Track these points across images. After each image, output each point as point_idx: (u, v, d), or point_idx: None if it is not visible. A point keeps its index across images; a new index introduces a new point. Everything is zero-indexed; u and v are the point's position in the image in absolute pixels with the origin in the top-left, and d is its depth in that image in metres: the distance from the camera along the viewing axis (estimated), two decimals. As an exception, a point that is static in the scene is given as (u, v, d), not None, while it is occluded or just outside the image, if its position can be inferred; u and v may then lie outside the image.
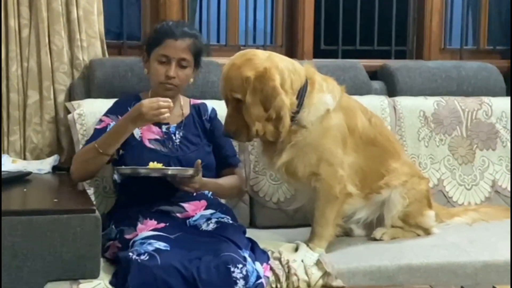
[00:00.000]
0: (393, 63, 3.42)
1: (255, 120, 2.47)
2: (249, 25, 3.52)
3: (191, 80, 2.67)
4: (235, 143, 2.85)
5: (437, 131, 3.19)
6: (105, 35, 3.10)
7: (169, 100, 2.45)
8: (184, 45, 2.59)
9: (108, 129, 2.56)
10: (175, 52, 2.58)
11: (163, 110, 2.41)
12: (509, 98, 3.37)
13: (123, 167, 2.50)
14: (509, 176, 3.25)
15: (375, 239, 2.74)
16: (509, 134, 3.26)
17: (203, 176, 2.56)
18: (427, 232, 2.82)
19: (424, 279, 2.50)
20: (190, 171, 2.48)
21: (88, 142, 2.61)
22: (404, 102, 3.20)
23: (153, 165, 2.50)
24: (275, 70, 2.46)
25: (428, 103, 3.21)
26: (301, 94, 2.53)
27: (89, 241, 2.21)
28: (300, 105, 2.53)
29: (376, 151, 2.71)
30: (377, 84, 3.33)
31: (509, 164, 3.25)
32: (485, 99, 3.29)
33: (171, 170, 2.48)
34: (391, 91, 3.31)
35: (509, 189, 3.24)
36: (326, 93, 2.59)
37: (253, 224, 2.99)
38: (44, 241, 2.16)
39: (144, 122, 2.46)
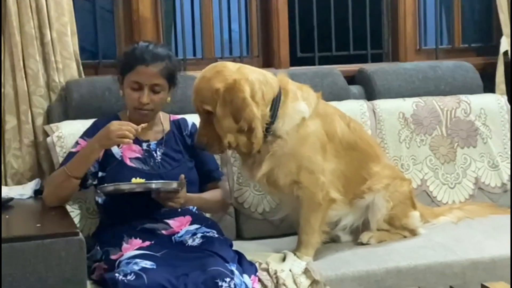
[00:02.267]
0: (370, 67, 3.43)
1: (226, 132, 2.48)
2: (224, 37, 3.52)
3: (168, 99, 2.66)
4: (217, 156, 2.85)
5: (418, 132, 3.20)
6: (80, 55, 3.09)
7: (140, 127, 2.45)
8: (156, 70, 2.57)
9: (81, 152, 2.57)
10: (147, 78, 2.56)
11: (129, 134, 2.41)
12: (486, 95, 3.39)
13: (105, 184, 2.49)
14: (492, 172, 3.26)
15: (362, 244, 2.74)
16: (489, 130, 3.28)
17: (187, 191, 2.55)
18: (413, 233, 2.83)
19: (412, 281, 2.51)
20: (174, 184, 2.48)
21: (61, 165, 2.60)
22: (383, 105, 3.21)
23: (135, 180, 2.49)
24: (245, 82, 2.47)
25: (407, 105, 3.23)
26: (275, 105, 2.54)
27: (74, 264, 2.18)
28: (274, 115, 2.54)
29: (357, 156, 2.72)
30: (355, 89, 3.34)
31: (491, 160, 3.27)
32: (463, 97, 3.31)
33: (155, 184, 2.47)
34: (370, 94, 3.32)
35: (492, 185, 3.26)
36: (301, 102, 2.60)
37: (239, 236, 2.99)
38: (28, 267, 2.13)
39: (109, 143, 2.45)
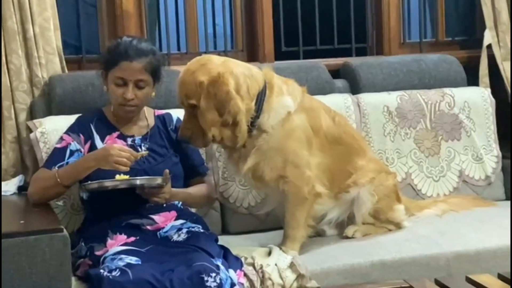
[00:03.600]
0: (354, 61, 3.43)
1: (210, 125, 2.48)
2: (208, 31, 3.51)
3: (153, 94, 2.65)
4: (202, 151, 2.85)
5: (402, 125, 3.21)
6: (63, 50, 3.07)
7: (140, 155, 2.47)
8: (140, 66, 2.55)
9: (68, 149, 2.56)
10: (131, 74, 2.54)
11: (127, 162, 2.40)
12: (470, 88, 3.40)
13: (89, 182, 2.48)
14: (476, 165, 3.28)
15: (347, 237, 2.75)
16: (473, 123, 3.30)
17: (172, 186, 2.54)
18: (398, 226, 2.84)
19: (397, 274, 2.52)
20: (158, 180, 2.47)
21: (47, 161, 2.59)
22: (368, 98, 3.22)
23: (119, 177, 2.48)
24: (229, 75, 2.46)
25: (391, 98, 3.23)
26: (260, 99, 2.54)
27: (59, 261, 2.17)
28: (259, 109, 2.53)
29: (342, 150, 2.72)
30: (340, 83, 3.34)
31: (475, 153, 3.28)
32: (447, 90, 3.32)
33: (139, 180, 2.46)
34: (354, 88, 3.32)
35: (476, 178, 3.27)
36: (286, 96, 2.60)
37: (225, 231, 2.99)
38: (12, 264, 2.13)
39: (105, 165, 2.43)
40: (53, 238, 2.18)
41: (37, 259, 2.15)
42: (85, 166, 2.47)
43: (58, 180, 2.48)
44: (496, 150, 3.32)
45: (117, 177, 2.47)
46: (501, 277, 2.27)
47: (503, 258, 2.61)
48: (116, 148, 2.43)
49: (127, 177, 2.48)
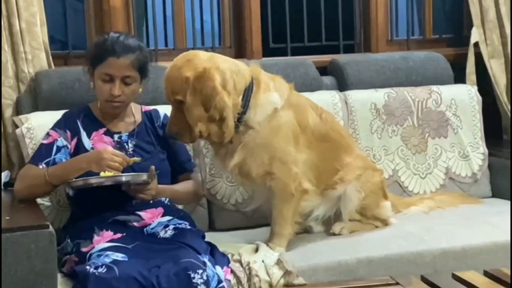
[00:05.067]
0: (342, 58, 3.44)
1: (197, 121, 2.47)
2: (196, 27, 3.50)
3: (140, 90, 2.64)
4: (189, 147, 2.84)
5: (389, 123, 3.22)
6: (50, 46, 3.05)
7: (132, 160, 2.47)
8: (127, 62, 2.53)
9: (55, 145, 2.54)
10: (118, 70, 2.53)
11: (119, 167, 2.40)
12: (457, 86, 3.41)
13: (74, 179, 2.46)
14: (462, 162, 3.29)
15: (334, 234, 2.75)
16: (459, 121, 3.31)
17: (159, 183, 2.54)
18: (384, 223, 2.85)
19: (384, 271, 2.52)
20: (144, 176, 2.46)
21: (34, 157, 2.57)
22: (355, 95, 3.22)
23: (105, 174, 2.46)
24: (215, 71, 2.46)
25: (378, 95, 3.24)
26: (247, 95, 2.53)
27: (45, 257, 2.16)
28: (246, 105, 2.53)
29: (329, 147, 2.73)
30: (327, 80, 3.35)
31: (462, 151, 3.30)
32: (434, 88, 3.33)
33: (125, 177, 2.44)
34: (342, 85, 3.32)
35: (462, 175, 3.28)
36: (273, 92, 2.59)
37: (212, 228, 2.98)
38: (-3, 261, 2.12)
39: (97, 168, 2.42)
40: (39, 235, 2.16)
41: (22, 256, 2.14)
42: (76, 167, 2.46)
43: (48, 179, 2.46)
44: (482, 148, 3.33)
45: (102, 174, 2.46)
46: (487, 274, 2.28)
47: (489, 255, 2.63)
48: (109, 152, 2.42)
49: (112, 173, 2.46)
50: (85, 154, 2.50)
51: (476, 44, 3.59)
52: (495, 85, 3.60)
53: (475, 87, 3.41)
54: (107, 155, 2.40)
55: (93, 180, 2.42)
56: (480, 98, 3.37)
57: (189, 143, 2.72)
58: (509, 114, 3.61)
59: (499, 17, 3.57)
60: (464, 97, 3.34)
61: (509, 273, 2.25)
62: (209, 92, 2.43)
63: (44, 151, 2.54)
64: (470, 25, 3.62)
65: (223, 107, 2.45)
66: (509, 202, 3.14)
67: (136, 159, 2.52)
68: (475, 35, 3.57)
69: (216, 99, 2.44)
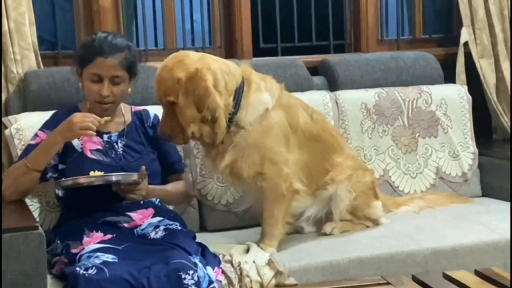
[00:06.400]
0: (332, 58, 3.44)
1: (189, 122, 2.46)
2: (186, 27, 3.49)
3: (129, 90, 2.63)
4: (179, 148, 2.83)
5: (380, 122, 3.22)
6: (39, 46, 3.03)
7: (104, 120, 2.45)
8: (116, 62, 2.52)
9: (41, 145, 2.53)
10: (106, 70, 2.51)
11: (92, 126, 2.39)
12: (447, 85, 3.42)
13: (63, 179, 2.45)
14: (452, 162, 3.30)
15: (325, 234, 2.75)
16: (449, 120, 3.31)
17: (149, 183, 2.53)
18: (375, 222, 2.85)
19: (375, 270, 2.52)
20: (134, 176, 2.45)
21: (21, 158, 2.56)
22: (346, 95, 3.22)
23: (94, 173, 2.45)
24: (207, 71, 2.45)
25: (369, 95, 3.24)
26: (238, 95, 2.53)
27: (34, 258, 2.15)
28: (237, 106, 2.52)
29: (319, 147, 2.73)
30: (318, 80, 3.34)
31: (452, 150, 3.30)
32: (424, 87, 3.34)
33: (115, 176, 2.44)
34: (332, 85, 3.32)
35: (453, 174, 3.29)
36: (264, 92, 2.59)
37: (203, 228, 2.98)
38: (-14, 263, 2.10)
39: (71, 135, 2.42)
40: (28, 236, 2.15)
41: (12, 257, 2.12)
42: (52, 142, 2.45)
43: (28, 165, 2.44)
44: (472, 147, 3.34)
45: (92, 173, 2.45)
46: (477, 273, 2.29)
47: (480, 255, 2.63)
48: (78, 115, 2.43)
49: (102, 173, 2.45)
50: (57, 127, 2.48)
51: (466, 44, 3.60)
52: (484, 85, 3.61)
53: (465, 87, 3.42)
54: (76, 119, 2.41)
55: (83, 180, 2.41)
56: (470, 97, 3.37)
57: (182, 144, 2.71)
58: (499, 114, 3.62)
59: (488, 16, 3.58)
60: (454, 96, 3.34)
61: (499, 272, 2.26)
62: (202, 92, 2.43)
63: (30, 151, 2.52)
64: (460, 25, 3.63)
65: (216, 107, 2.44)
66: (499, 201, 3.16)
67: (107, 118, 2.49)
68: (465, 34, 3.58)
69: (209, 99, 2.43)
